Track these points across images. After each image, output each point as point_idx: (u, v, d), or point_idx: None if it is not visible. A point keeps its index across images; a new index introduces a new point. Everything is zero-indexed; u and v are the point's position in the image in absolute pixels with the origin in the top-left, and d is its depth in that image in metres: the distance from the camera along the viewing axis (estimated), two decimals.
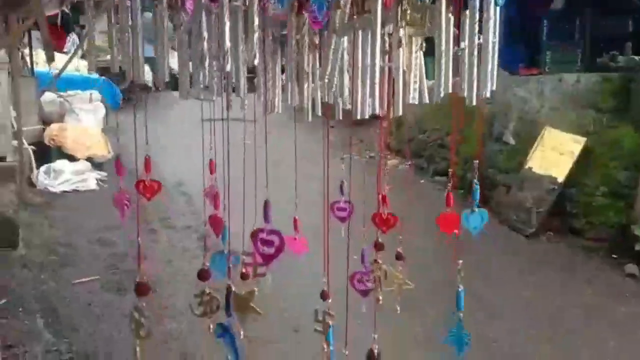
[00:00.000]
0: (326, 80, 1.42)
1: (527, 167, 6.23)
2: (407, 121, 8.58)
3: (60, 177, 6.85)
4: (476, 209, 1.52)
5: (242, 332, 1.63)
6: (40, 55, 9.95)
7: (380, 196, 1.85)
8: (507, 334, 3.91)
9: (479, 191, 1.53)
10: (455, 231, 1.60)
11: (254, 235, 1.53)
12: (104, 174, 7.30)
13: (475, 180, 1.50)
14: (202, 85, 1.56)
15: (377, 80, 1.32)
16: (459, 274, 1.58)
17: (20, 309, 3.87)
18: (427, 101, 1.63)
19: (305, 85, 1.56)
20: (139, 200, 1.93)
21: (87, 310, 3.96)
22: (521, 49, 7.57)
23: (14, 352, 3.34)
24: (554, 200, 5.88)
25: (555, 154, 6.00)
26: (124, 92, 8.53)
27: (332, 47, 1.41)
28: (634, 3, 6.56)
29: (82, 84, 8.40)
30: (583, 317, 4.24)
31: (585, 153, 5.83)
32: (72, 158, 7.26)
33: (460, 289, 1.59)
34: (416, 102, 1.62)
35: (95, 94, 8.40)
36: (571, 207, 5.88)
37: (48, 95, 7.79)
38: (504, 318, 4.17)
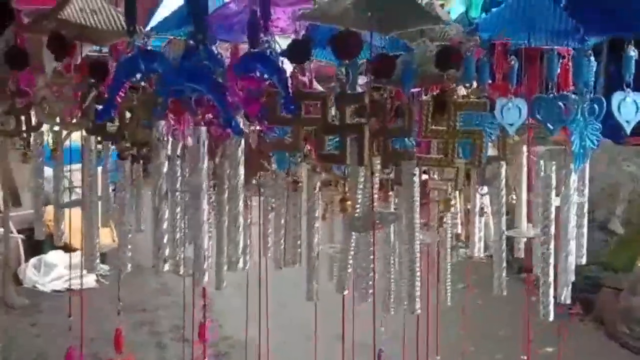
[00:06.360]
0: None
1: None
2: None
3: (53, 273, 6.03)
4: None
5: None
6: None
7: None
8: None
9: None
10: None
11: None
12: (106, 267, 6.19)
13: None
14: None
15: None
16: None
17: None
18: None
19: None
20: None
21: None
22: None
23: None
24: None
25: None
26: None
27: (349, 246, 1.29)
28: None
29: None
30: None
31: None
32: (68, 248, 6.20)
33: None
34: (482, 256, 1.64)
35: None
36: None
37: (47, 171, 6.90)
38: None
